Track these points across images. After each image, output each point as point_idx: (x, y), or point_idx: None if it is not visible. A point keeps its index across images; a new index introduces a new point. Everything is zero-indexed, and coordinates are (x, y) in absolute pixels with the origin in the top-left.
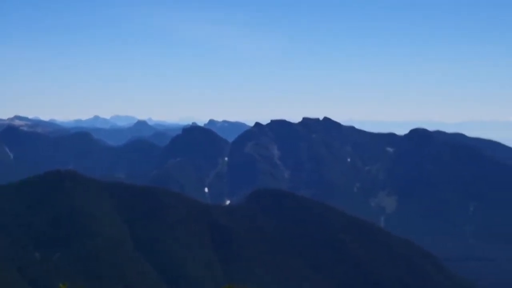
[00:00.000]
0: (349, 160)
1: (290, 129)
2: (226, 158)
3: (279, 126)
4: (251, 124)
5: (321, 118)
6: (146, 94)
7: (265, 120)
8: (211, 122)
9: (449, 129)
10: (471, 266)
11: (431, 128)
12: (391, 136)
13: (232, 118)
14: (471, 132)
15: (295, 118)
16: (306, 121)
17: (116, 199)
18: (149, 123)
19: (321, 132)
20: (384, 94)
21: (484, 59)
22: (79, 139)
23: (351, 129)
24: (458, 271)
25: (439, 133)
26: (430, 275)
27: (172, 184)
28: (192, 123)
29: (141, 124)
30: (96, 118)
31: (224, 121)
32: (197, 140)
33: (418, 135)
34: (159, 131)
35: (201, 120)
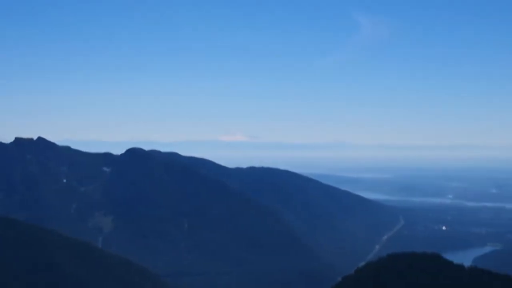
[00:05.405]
0: (65, 180)
1: (2, 149)
2: None
3: None
4: None
5: (35, 138)
6: None
7: None
8: None
9: (164, 148)
10: (188, 281)
11: (147, 147)
12: (107, 156)
13: None
14: (185, 151)
15: (6, 138)
16: (19, 141)
17: None
18: None
19: (36, 153)
20: (103, 114)
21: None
22: None
23: (67, 149)
24: (177, 287)
25: (154, 152)
26: None
27: None
28: None
29: None
30: None
31: None
32: None
33: (134, 154)
34: None
35: None
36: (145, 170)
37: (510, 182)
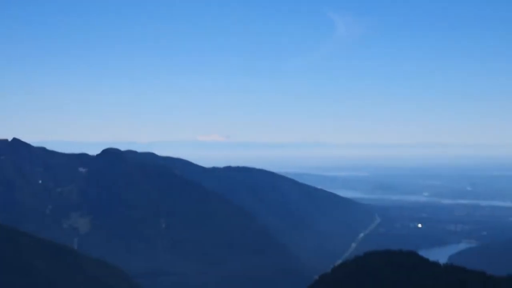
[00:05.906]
0: (40, 182)
1: None
2: None
3: None
4: None
5: (9, 139)
6: None
7: None
8: None
9: (141, 149)
10: (164, 281)
11: (123, 147)
12: (83, 156)
13: None
14: (162, 151)
15: None
16: None
17: None
18: None
19: (10, 154)
20: (78, 114)
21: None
22: None
23: (42, 150)
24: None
25: (130, 153)
26: None
27: None
28: None
29: None
30: None
31: None
32: None
33: (110, 154)
34: None
35: None
36: (121, 170)
37: (484, 179)
